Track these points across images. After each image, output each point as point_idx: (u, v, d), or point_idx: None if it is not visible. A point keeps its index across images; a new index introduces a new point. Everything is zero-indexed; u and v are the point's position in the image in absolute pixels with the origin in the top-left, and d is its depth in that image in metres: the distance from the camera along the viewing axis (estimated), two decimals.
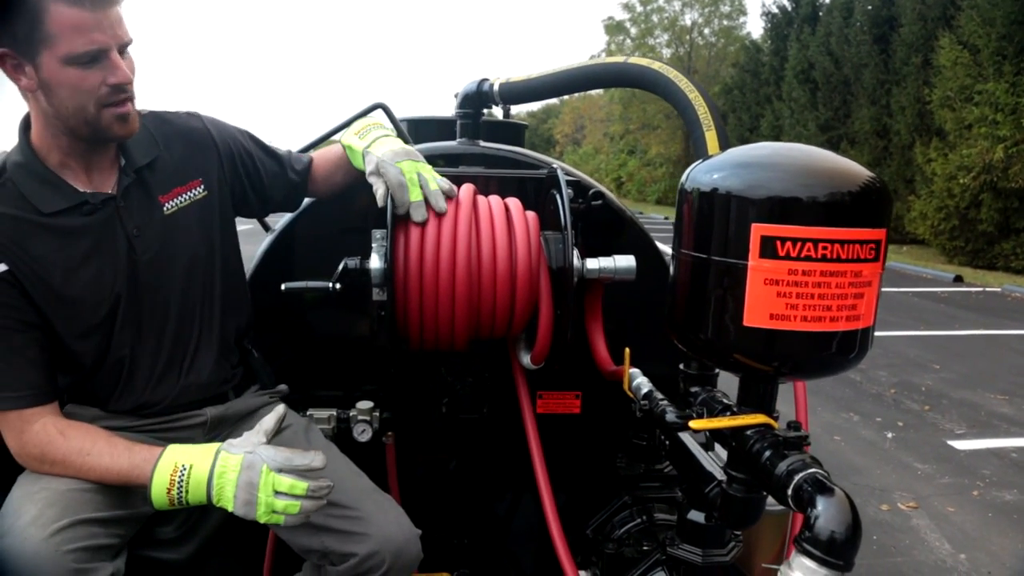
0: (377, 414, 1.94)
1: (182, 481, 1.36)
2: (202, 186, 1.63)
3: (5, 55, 1.32)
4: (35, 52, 1.31)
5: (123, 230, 1.50)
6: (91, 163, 1.48)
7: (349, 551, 1.53)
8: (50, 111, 1.38)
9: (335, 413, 1.94)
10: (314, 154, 1.87)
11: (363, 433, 1.92)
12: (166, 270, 1.56)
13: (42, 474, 1.43)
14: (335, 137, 1.87)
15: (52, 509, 1.34)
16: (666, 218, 23.77)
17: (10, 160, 1.43)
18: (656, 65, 1.61)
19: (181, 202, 1.59)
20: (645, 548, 1.77)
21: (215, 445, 1.42)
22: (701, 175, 1.21)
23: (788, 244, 1.07)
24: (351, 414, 1.93)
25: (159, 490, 1.36)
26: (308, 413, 1.90)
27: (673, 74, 1.55)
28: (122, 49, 1.38)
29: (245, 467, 1.37)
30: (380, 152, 1.61)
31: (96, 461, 1.41)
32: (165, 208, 1.56)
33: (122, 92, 1.38)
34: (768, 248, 1.08)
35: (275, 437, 1.69)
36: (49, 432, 1.42)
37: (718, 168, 1.20)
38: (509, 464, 2.10)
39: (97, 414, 1.55)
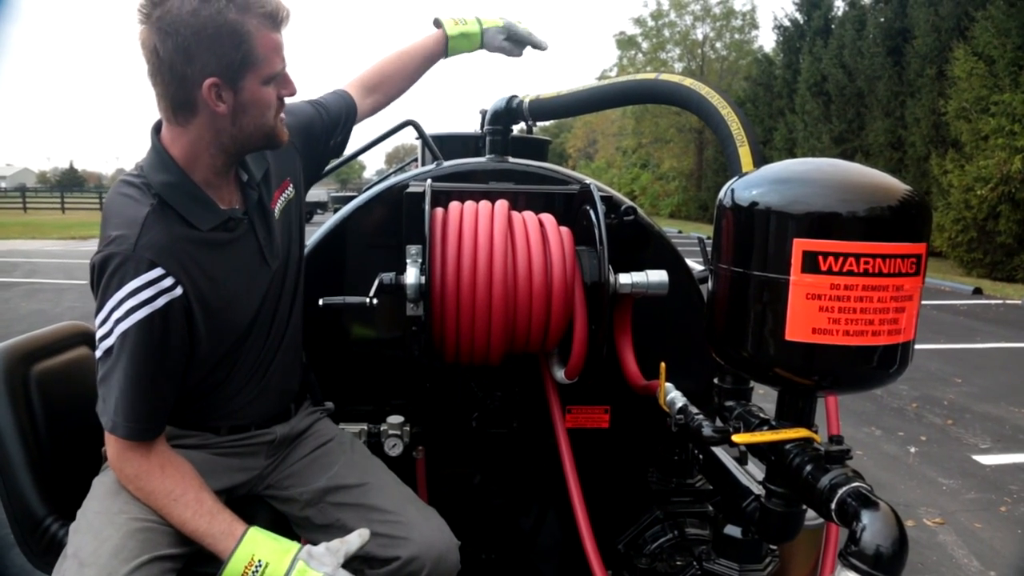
0: (408, 428, 1.95)
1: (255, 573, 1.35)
2: (291, 186, 1.71)
3: (213, 84, 1.35)
4: (241, 76, 1.37)
5: (256, 243, 1.56)
6: (229, 180, 1.54)
7: (391, 555, 1.54)
8: (230, 131, 1.42)
9: (366, 427, 1.95)
10: (357, 81, 1.98)
11: (394, 447, 1.93)
12: (286, 276, 1.64)
13: (123, 489, 1.46)
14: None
15: (132, 541, 1.37)
16: (679, 231, 23.72)
17: (155, 180, 1.43)
18: (688, 81, 1.62)
19: (282, 204, 1.66)
20: (678, 563, 1.77)
21: (294, 547, 1.40)
22: (740, 191, 1.22)
23: (830, 259, 1.08)
24: (382, 428, 1.95)
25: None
26: (340, 427, 1.92)
27: (705, 90, 1.56)
28: None
29: None
30: (497, 23, 2.07)
31: (178, 512, 1.41)
32: (275, 214, 1.63)
33: (284, 102, 1.50)
34: (810, 263, 1.09)
35: (319, 449, 1.73)
36: (151, 463, 1.43)
37: (756, 184, 1.21)
38: (537, 478, 2.10)
39: (172, 432, 1.54)
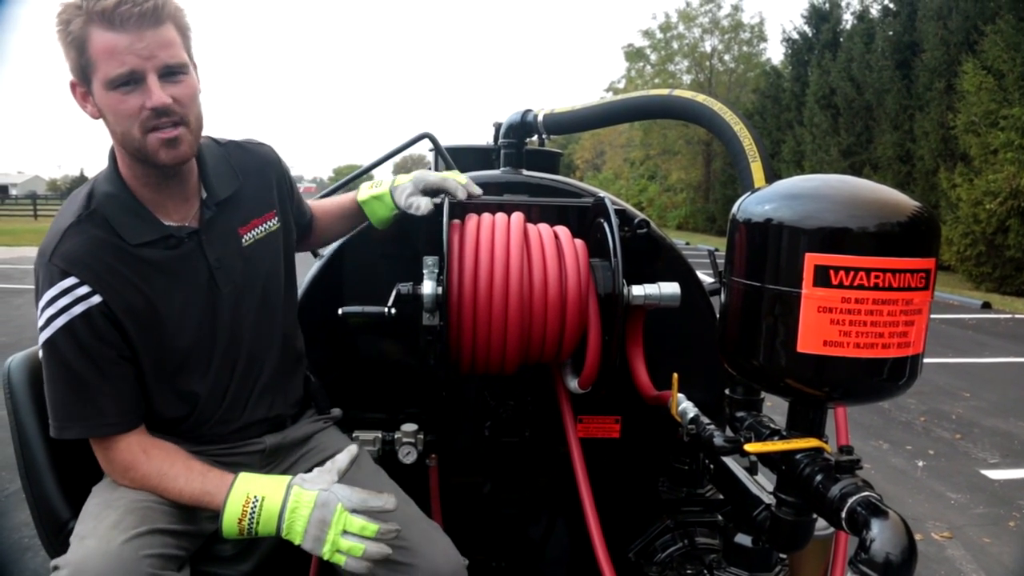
0: (421, 436, 1.97)
1: (254, 512, 1.39)
2: (276, 218, 1.68)
3: (74, 84, 1.39)
4: (89, 79, 1.36)
5: (205, 263, 1.53)
6: (169, 193, 1.50)
7: None
8: (113, 138, 1.42)
9: (380, 435, 1.98)
10: (314, 206, 1.91)
11: (408, 455, 1.95)
12: (243, 302, 1.59)
13: (120, 485, 1.49)
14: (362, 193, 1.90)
15: (131, 516, 1.40)
16: (687, 243, 23.70)
17: (99, 190, 1.47)
18: (700, 97, 1.66)
19: (258, 234, 1.63)
20: (688, 572, 1.79)
21: (285, 478, 1.44)
22: (752, 206, 1.25)
23: (841, 273, 1.11)
24: (396, 436, 1.97)
25: (231, 519, 1.39)
26: (354, 435, 1.94)
27: (718, 106, 1.60)
28: (170, 72, 1.36)
29: (319, 504, 1.38)
30: (406, 179, 1.78)
31: (172, 483, 1.45)
32: (244, 239, 1.60)
33: (164, 116, 1.36)
34: (822, 277, 1.12)
35: (328, 462, 1.74)
36: (134, 452, 1.47)
37: (769, 199, 1.24)
38: (548, 487, 2.12)
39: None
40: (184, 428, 1.59)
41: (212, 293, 1.54)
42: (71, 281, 1.38)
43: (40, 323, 1.40)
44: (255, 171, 1.66)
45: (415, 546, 1.56)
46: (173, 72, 1.37)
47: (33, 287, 1.47)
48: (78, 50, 1.33)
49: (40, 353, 1.43)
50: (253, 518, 1.38)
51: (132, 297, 1.44)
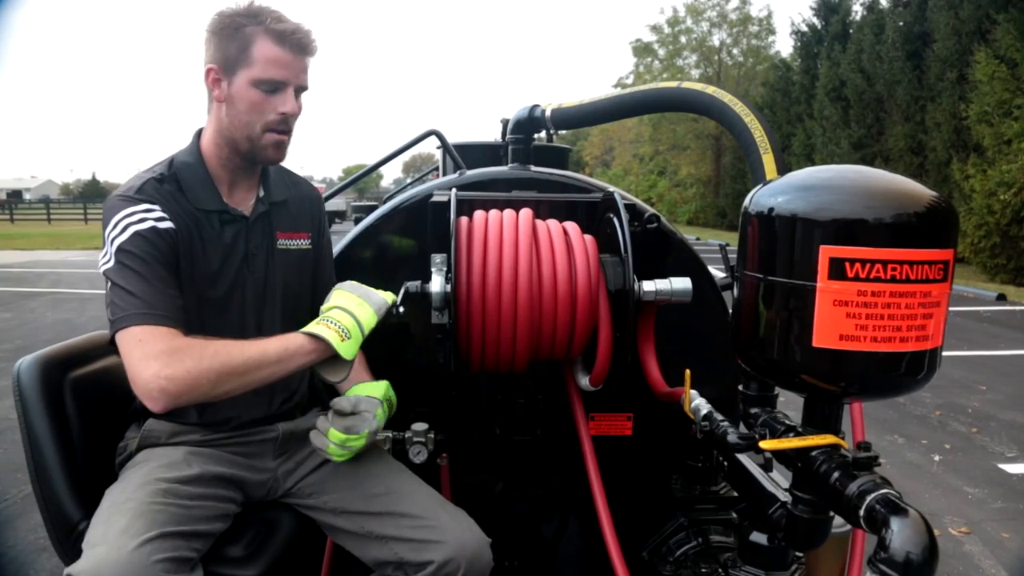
0: (432, 435, 1.96)
1: (338, 327, 1.51)
2: (308, 239, 1.84)
3: (211, 70, 1.60)
4: (234, 70, 1.59)
5: (244, 246, 1.69)
6: (236, 181, 1.72)
7: (425, 559, 1.57)
8: (225, 121, 1.62)
9: (390, 434, 1.96)
10: None
11: (418, 455, 1.94)
12: (266, 292, 1.73)
13: (128, 485, 1.50)
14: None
15: (140, 520, 1.40)
16: (697, 238, 23.59)
17: (178, 159, 1.67)
18: (710, 89, 1.63)
19: (290, 245, 1.80)
20: (703, 570, 1.77)
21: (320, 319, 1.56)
22: (765, 198, 1.23)
23: (857, 265, 1.09)
24: (406, 435, 1.96)
25: (336, 342, 1.49)
26: None
27: (728, 98, 1.57)
28: (298, 91, 1.65)
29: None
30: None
31: (241, 348, 1.48)
32: (278, 243, 1.77)
33: (285, 123, 1.64)
34: (837, 270, 1.10)
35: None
36: (191, 339, 1.47)
37: (782, 191, 1.21)
38: (560, 486, 2.11)
39: (174, 429, 1.65)
40: (200, 408, 1.64)
41: (243, 274, 1.69)
42: (153, 206, 1.56)
43: (114, 233, 1.51)
44: (299, 196, 1.86)
45: (442, 524, 1.63)
46: (299, 92, 1.66)
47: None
48: (239, 47, 1.57)
49: (111, 262, 1.50)
50: (342, 330, 1.51)
51: (192, 243, 1.60)
